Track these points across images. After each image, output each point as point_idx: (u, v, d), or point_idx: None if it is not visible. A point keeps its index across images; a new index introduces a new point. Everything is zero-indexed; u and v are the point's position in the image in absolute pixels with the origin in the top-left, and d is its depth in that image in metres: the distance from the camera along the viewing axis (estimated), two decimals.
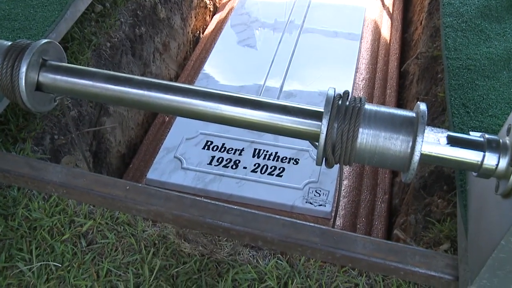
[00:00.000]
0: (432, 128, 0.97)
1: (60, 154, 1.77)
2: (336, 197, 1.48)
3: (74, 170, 1.37)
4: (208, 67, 2.63)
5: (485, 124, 1.41)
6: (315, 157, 2.08)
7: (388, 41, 2.97)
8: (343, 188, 2.09)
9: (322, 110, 0.96)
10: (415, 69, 2.54)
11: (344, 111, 0.96)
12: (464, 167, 0.97)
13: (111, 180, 1.34)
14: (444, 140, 0.95)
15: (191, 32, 3.02)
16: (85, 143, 1.97)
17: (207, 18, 3.25)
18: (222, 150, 2.14)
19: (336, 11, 3.00)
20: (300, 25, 2.87)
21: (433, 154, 0.95)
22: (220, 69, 2.66)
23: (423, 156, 0.94)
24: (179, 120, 2.29)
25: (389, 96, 2.62)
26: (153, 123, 2.48)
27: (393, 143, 0.95)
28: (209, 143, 2.17)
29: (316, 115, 0.99)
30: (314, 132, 0.99)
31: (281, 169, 2.08)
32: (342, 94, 0.98)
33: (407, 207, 1.88)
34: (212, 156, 2.12)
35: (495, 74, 1.54)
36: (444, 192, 1.61)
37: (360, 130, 0.95)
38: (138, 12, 2.27)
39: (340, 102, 0.97)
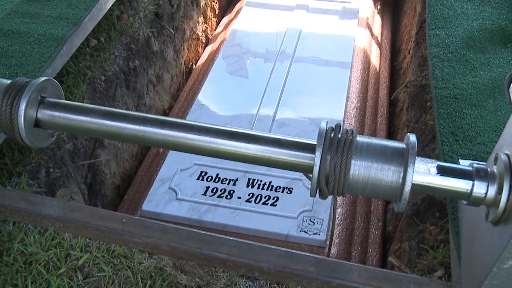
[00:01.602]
0: (422, 159, 1.00)
1: (55, 187, 1.77)
2: (331, 225, 1.50)
3: (70, 203, 1.38)
4: (201, 98, 2.67)
5: (474, 152, 1.44)
6: (309, 186, 2.10)
7: (378, 69, 3.03)
8: (337, 216, 2.10)
9: (315, 143, 0.98)
10: (404, 97, 2.59)
11: (336, 143, 0.98)
12: (454, 196, 0.99)
13: (107, 213, 1.35)
14: (434, 170, 0.98)
15: (184, 64, 3.07)
16: (80, 175, 1.98)
17: (200, 49, 3.31)
18: (216, 180, 2.16)
19: (326, 41, 3.06)
20: (291, 55, 2.93)
21: (424, 183, 0.97)
22: (213, 99, 2.69)
23: (414, 186, 0.96)
24: (173, 151, 2.31)
25: (380, 123, 2.66)
26: (147, 154, 2.50)
27: (385, 174, 0.97)
28: (203, 173, 2.19)
29: (309, 148, 1.01)
30: (308, 165, 1.01)
31: (275, 198, 2.09)
32: (334, 127, 1.01)
33: (401, 234, 1.89)
34: (206, 187, 2.13)
35: (481, 103, 1.59)
36: (437, 219, 1.63)
37: (353, 162, 0.98)
38: (132, 45, 2.31)
39: (332, 134, 1.00)
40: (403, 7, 3.55)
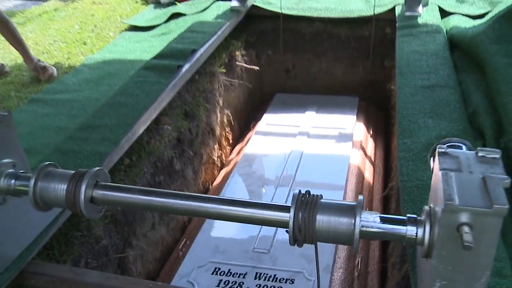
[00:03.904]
0: (369, 212, 1.36)
1: None
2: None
3: (108, 274, 1.73)
4: None
5: None
6: (308, 277, 2.42)
7: (371, 183, 3.44)
8: None
9: (290, 205, 1.37)
10: (393, 203, 2.96)
11: (305, 204, 1.37)
12: (394, 239, 1.35)
13: (137, 280, 1.69)
14: (377, 219, 1.35)
15: (202, 184, 3.53)
16: (112, 271, 2.32)
17: (215, 172, 3.79)
18: (228, 274, 2.47)
19: (324, 160, 3.53)
20: (294, 172, 3.37)
21: (370, 230, 1.33)
22: None
23: (363, 232, 1.32)
24: (192, 252, 2.66)
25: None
26: (169, 259, 2.84)
27: (341, 224, 1.34)
28: (217, 269, 2.51)
29: (286, 209, 1.39)
30: (286, 221, 1.38)
31: None
32: (304, 192, 1.40)
33: None
34: (219, 280, 2.44)
35: None
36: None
37: (317, 217, 1.35)
38: (158, 163, 2.80)
39: (303, 198, 1.39)
40: (393, 132, 4.06)
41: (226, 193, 3.23)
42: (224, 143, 4.05)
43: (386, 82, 4.22)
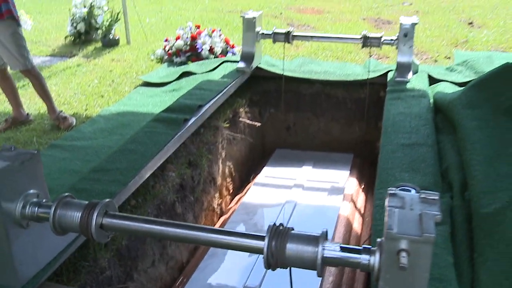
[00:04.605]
0: (331, 242, 1.63)
1: None
2: None
3: None
4: (212, 252, 3.32)
5: None
6: None
7: (359, 233, 3.67)
8: None
9: (265, 235, 1.64)
10: None
11: (278, 234, 1.64)
12: (352, 265, 1.60)
13: None
14: (337, 248, 1.61)
15: None
16: None
17: (215, 219, 4.05)
18: None
19: (315, 210, 3.79)
20: (286, 224, 3.62)
21: (330, 257, 1.59)
22: (221, 258, 3.32)
23: (325, 259, 1.58)
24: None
25: (358, 274, 3.21)
26: None
27: (307, 252, 1.60)
28: None
29: (262, 238, 1.66)
30: (261, 248, 1.65)
31: None
32: (277, 224, 1.68)
33: None
34: None
35: None
36: None
37: (287, 245, 1.62)
38: (161, 206, 3.08)
39: (276, 229, 1.66)
40: None
41: None
42: (225, 192, 4.33)
43: (379, 141, 4.53)
